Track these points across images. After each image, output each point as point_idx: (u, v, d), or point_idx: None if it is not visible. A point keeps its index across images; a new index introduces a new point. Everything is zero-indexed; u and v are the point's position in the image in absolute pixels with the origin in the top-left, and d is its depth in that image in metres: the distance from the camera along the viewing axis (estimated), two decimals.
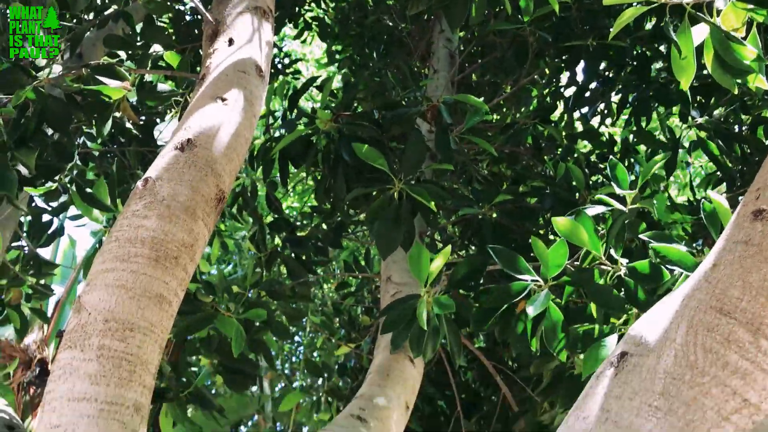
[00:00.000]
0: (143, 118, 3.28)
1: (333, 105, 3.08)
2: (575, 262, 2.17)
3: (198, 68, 2.74)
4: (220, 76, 1.79)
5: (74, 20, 3.03)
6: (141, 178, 1.57)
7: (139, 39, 3.05)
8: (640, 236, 2.06)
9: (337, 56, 5.49)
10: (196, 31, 4.18)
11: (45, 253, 6.08)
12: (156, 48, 3.00)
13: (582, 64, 3.71)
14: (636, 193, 2.20)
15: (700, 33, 1.63)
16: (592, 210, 2.18)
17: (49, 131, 2.50)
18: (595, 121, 4.19)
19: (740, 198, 1.22)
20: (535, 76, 4.07)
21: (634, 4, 1.72)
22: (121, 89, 2.27)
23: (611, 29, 1.70)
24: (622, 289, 1.99)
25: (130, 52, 3.05)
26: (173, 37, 3.90)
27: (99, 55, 3.62)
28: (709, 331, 1.09)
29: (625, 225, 2.09)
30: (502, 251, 2.05)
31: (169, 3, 3.06)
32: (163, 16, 3.69)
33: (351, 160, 2.71)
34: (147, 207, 1.49)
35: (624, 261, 2.03)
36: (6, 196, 2.15)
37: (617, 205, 2.17)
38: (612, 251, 2.05)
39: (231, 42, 1.90)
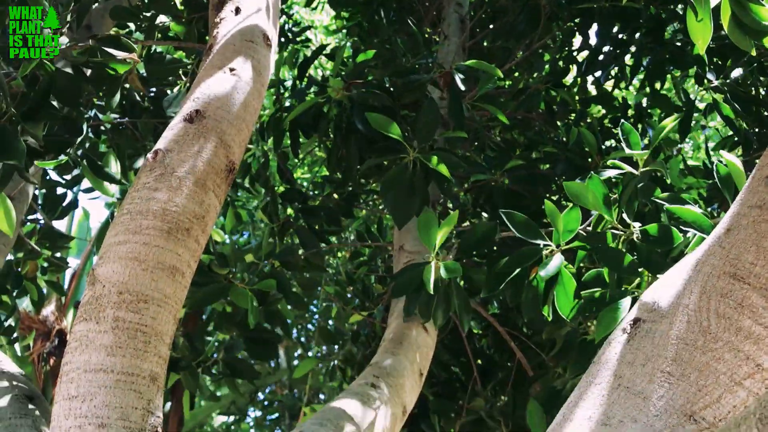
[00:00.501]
0: (153, 89, 3.27)
1: (344, 73, 3.04)
2: (587, 228, 2.15)
3: (207, 38, 2.71)
4: (227, 46, 1.78)
5: None
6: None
7: (146, 10, 3.03)
8: (654, 199, 2.04)
9: (345, 23, 5.42)
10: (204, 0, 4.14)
11: (60, 225, 6.14)
12: (163, 18, 2.98)
13: (595, 26, 3.65)
14: (648, 155, 2.16)
15: None
16: (604, 173, 2.16)
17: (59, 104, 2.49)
18: (608, 85, 4.12)
19: (757, 161, 1.21)
20: (548, 41, 4.01)
21: None
22: (127, 64, 2.25)
23: None
24: (635, 254, 1.97)
25: (138, 23, 3.03)
26: (181, 8, 3.87)
27: (108, 27, 3.59)
28: (722, 297, 1.08)
29: (638, 189, 2.06)
30: (515, 215, 2.04)
31: None
32: None
33: (364, 128, 2.68)
34: (157, 179, 1.49)
35: (636, 225, 2.01)
36: (15, 167, 2.15)
37: (629, 169, 2.15)
38: (624, 215, 2.04)
39: (238, 11, 1.87)
